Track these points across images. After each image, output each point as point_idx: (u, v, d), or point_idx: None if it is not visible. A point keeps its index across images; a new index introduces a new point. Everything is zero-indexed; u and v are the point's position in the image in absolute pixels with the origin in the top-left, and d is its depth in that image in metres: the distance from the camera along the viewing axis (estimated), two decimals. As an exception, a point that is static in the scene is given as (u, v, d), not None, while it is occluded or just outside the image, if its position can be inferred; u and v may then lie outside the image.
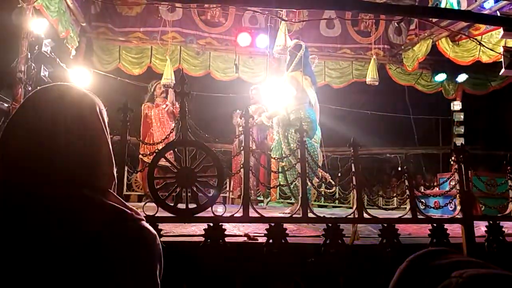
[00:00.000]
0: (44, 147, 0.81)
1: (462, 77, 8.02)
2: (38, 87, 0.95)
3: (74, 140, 0.85)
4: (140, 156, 3.63)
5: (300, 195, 2.38)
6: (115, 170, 0.96)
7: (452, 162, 8.04)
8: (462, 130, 8.33)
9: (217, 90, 8.17)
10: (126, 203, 0.89)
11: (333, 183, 4.89)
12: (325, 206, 7.57)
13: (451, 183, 3.21)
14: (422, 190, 4.65)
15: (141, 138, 5.99)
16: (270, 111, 4.51)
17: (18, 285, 0.71)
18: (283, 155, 4.15)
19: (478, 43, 4.50)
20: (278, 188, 6.03)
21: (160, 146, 2.50)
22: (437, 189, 6.69)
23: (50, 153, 0.81)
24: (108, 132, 0.96)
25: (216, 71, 7.63)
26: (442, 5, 5.93)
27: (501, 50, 5.35)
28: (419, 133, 9.97)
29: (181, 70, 3.40)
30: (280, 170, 4.24)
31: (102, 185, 0.88)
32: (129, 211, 0.86)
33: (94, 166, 0.88)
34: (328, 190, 6.86)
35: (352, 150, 2.53)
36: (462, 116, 8.34)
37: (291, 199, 6.18)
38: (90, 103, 0.93)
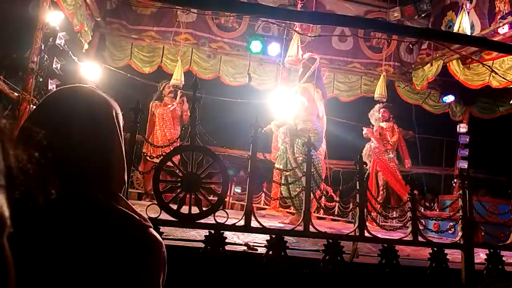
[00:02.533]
0: (56, 146, 0.82)
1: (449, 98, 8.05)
2: (58, 88, 0.96)
3: (87, 142, 0.86)
4: (144, 153, 3.63)
5: (304, 209, 2.38)
6: (126, 175, 0.96)
7: (454, 185, 8.03)
8: (467, 153, 8.27)
9: (224, 95, 8.16)
10: (135, 209, 0.89)
11: (334, 197, 4.88)
12: (324, 219, 7.53)
13: (453, 206, 3.21)
14: (423, 211, 4.63)
15: (146, 136, 6.01)
16: (279, 120, 4.52)
17: (26, 284, 0.71)
18: (288, 164, 4.16)
19: (489, 69, 4.50)
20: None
21: (165, 148, 2.49)
22: (437, 210, 6.68)
23: (61, 152, 0.81)
24: (123, 137, 0.96)
25: (226, 76, 7.63)
26: (456, 27, 5.90)
27: (512, 77, 5.32)
28: (423, 152, 9.92)
29: (194, 75, 3.40)
30: (284, 181, 4.23)
31: (113, 188, 0.88)
32: (138, 218, 0.86)
33: (106, 168, 0.89)
34: (329, 203, 6.83)
35: (357, 167, 2.53)
36: (467, 139, 8.29)
37: (291, 209, 6.15)
38: (106, 106, 0.93)
